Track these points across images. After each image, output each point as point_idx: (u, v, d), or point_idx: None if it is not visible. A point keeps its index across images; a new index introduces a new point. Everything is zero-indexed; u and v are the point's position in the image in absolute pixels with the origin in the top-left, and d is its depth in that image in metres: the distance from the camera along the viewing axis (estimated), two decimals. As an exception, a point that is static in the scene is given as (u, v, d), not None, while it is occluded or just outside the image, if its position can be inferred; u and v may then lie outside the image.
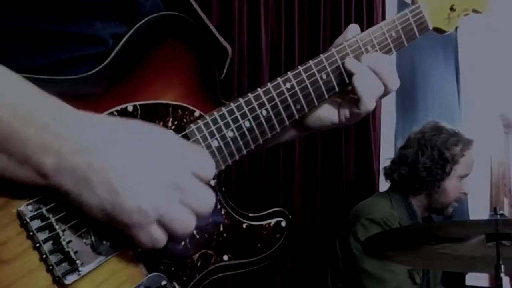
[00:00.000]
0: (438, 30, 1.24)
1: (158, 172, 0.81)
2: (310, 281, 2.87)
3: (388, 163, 2.71)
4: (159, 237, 0.83)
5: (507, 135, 4.48)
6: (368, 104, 1.09)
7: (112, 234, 0.84)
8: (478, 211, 3.96)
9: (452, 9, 1.23)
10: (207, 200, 0.86)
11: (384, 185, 2.83)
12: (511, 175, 4.45)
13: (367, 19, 3.20)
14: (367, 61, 1.09)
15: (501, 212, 1.89)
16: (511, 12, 4.02)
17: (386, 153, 3.31)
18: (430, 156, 2.55)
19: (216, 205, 0.94)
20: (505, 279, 1.83)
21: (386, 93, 1.12)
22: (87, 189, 0.78)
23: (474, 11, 1.28)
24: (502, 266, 1.79)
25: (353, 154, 3.16)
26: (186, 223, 0.84)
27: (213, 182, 0.95)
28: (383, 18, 3.27)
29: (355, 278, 2.42)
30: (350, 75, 1.09)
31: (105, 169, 0.78)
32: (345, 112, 1.13)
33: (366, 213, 2.47)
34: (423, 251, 1.94)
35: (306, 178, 2.93)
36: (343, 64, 1.09)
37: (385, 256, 2.09)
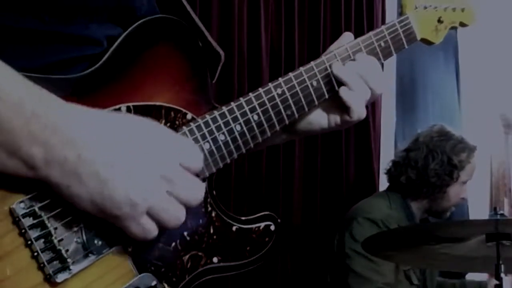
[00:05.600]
0: (425, 41, 1.26)
1: (146, 163, 0.82)
2: (310, 281, 2.86)
3: (390, 163, 2.72)
4: (150, 228, 0.84)
5: (507, 135, 4.48)
6: (359, 112, 1.11)
7: (104, 233, 0.85)
8: (478, 211, 3.96)
9: (439, 21, 1.26)
10: (195, 190, 0.87)
11: (384, 185, 2.83)
12: (511, 175, 4.44)
13: (367, 19, 3.19)
14: (355, 67, 1.10)
15: (501, 212, 1.90)
16: (511, 12, 4.02)
17: (386, 153, 3.31)
18: (440, 162, 2.57)
19: (206, 208, 0.96)
20: (506, 279, 1.83)
21: (373, 97, 1.13)
22: (76, 181, 0.79)
23: (461, 23, 1.31)
24: (502, 266, 1.80)
25: (353, 154, 3.16)
26: (176, 214, 0.85)
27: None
28: (383, 18, 3.27)
29: (343, 275, 2.43)
30: (339, 83, 1.10)
31: (94, 161, 0.79)
32: (336, 119, 1.15)
33: (365, 212, 2.48)
34: (423, 251, 1.95)
35: (306, 178, 2.93)
36: (331, 70, 1.10)
37: (385, 256, 2.09)
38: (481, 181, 4.12)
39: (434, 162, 2.57)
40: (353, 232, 2.43)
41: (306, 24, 2.96)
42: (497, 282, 1.81)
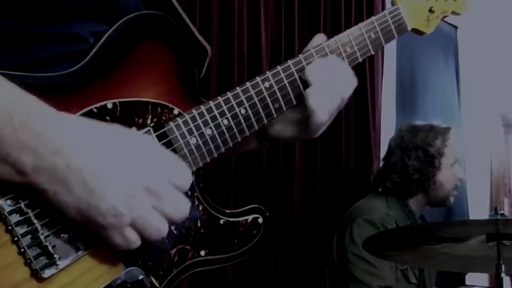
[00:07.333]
0: (417, 32, 1.25)
1: (134, 175, 0.83)
2: (310, 281, 2.86)
3: (375, 174, 2.73)
4: (133, 239, 0.84)
5: (507, 135, 4.48)
6: (320, 117, 1.06)
7: (90, 229, 0.85)
8: (478, 211, 3.96)
9: (431, 11, 1.25)
10: (181, 208, 0.88)
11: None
12: (511, 175, 4.44)
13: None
14: (322, 72, 1.06)
15: (502, 212, 1.90)
16: (511, 12, 4.02)
17: (386, 153, 3.31)
18: (417, 158, 2.58)
19: (193, 201, 0.96)
20: (506, 279, 1.83)
21: (342, 103, 1.09)
22: (64, 189, 0.79)
23: (453, 13, 1.30)
24: (503, 266, 1.80)
25: (353, 154, 3.16)
26: (158, 228, 0.85)
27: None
28: (383, 18, 3.26)
29: (345, 281, 2.44)
30: (305, 86, 1.06)
31: (83, 170, 0.80)
32: (300, 126, 1.11)
33: (363, 214, 2.48)
34: (423, 251, 1.95)
35: (306, 178, 2.93)
36: (301, 75, 1.06)
37: (385, 256, 2.09)
38: (481, 181, 4.13)
39: (411, 160, 2.59)
40: (353, 234, 2.43)
41: (306, 24, 2.96)
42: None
